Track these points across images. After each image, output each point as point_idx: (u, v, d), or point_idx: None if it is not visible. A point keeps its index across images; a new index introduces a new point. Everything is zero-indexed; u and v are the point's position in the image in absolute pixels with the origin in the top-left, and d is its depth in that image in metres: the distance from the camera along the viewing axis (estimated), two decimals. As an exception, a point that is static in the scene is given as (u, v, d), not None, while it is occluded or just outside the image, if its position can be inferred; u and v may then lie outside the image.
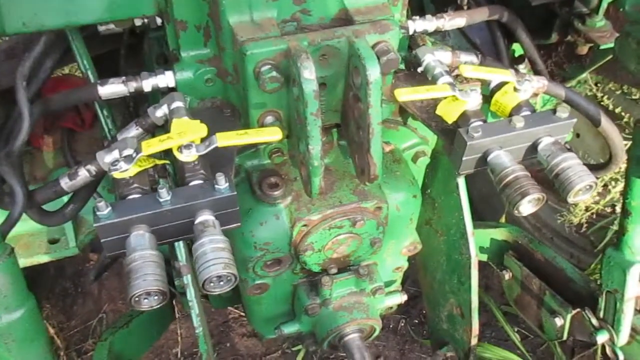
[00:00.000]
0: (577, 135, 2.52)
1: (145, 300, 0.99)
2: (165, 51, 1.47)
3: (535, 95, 1.63)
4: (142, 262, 0.98)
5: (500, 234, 2.00)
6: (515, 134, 1.21)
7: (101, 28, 1.38)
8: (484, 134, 1.19)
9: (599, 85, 2.14)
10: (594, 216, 2.40)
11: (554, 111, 1.24)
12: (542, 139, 1.23)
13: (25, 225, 1.80)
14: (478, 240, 2.05)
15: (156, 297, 0.99)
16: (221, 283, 1.03)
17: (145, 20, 1.36)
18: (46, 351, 1.39)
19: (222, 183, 1.07)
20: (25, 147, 1.75)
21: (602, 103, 2.19)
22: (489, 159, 1.21)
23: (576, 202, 1.18)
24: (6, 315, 1.34)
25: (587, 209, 2.32)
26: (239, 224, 1.15)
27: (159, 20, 1.32)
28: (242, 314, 2.91)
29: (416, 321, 2.89)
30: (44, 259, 1.81)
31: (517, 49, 1.90)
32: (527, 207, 1.15)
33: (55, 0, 1.08)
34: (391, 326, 2.90)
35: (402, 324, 2.90)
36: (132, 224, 1.04)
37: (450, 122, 1.28)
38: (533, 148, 1.24)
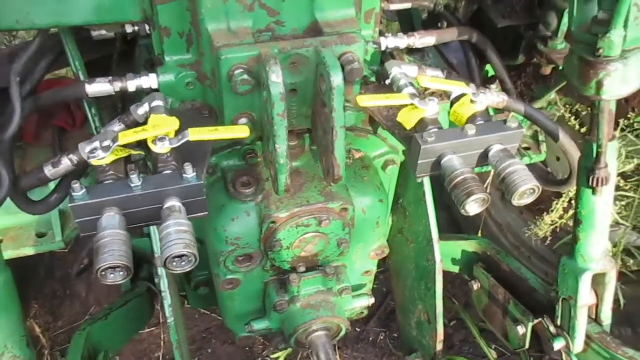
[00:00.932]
0: (557, 159, 2.62)
1: (111, 275, 1.07)
2: (153, 57, 1.58)
3: (501, 110, 1.73)
4: (110, 239, 1.07)
5: (470, 245, 2.07)
6: (467, 140, 1.29)
7: (94, 33, 1.51)
8: (437, 140, 1.28)
9: (567, 106, 2.25)
10: (559, 231, 2.48)
11: (505, 121, 1.33)
12: (493, 147, 1.31)
13: (15, 218, 1.91)
14: (450, 252, 2.12)
15: (121, 273, 1.07)
16: (183, 263, 1.11)
17: (136, 28, 1.48)
18: (19, 322, 1.45)
19: (189, 172, 1.16)
20: (18, 142, 1.87)
21: (569, 123, 2.28)
22: (442, 162, 1.30)
23: (521, 205, 1.26)
24: None
25: (552, 223, 2.41)
26: (205, 212, 1.23)
27: (147, 28, 1.44)
28: (226, 321, 2.97)
29: (395, 335, 2.94)
30: (31, 251, 1.90)
31: (491, 70, 2.01)
32: (472, 206, 1.23)
33: (47, 1, 1.19)
34: (371, 339, 2.95)
35: (382, 338, 2.95)
36: (105, 206, 1.13)
37: (409, 128, 1.37)
38: (485, 155, 1.33)
